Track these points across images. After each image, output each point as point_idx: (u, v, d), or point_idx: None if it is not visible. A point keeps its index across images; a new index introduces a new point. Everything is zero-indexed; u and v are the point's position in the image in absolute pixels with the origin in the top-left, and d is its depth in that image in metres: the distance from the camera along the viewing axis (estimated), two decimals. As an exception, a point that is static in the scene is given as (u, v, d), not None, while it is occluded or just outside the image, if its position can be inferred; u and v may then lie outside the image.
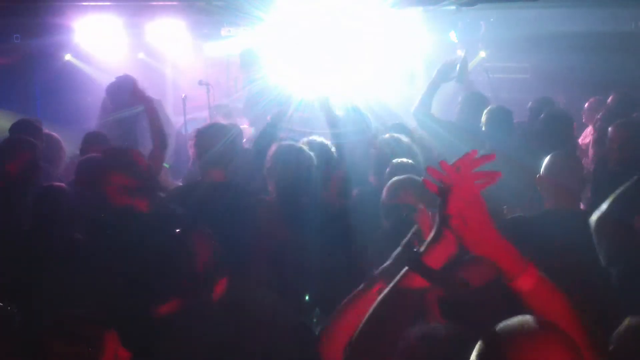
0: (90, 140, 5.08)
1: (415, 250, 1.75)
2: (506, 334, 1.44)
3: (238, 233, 3.60)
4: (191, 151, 4.61)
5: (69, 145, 5.73)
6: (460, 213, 1.59)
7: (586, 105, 7.07)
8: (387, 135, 4.39)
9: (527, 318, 1.48)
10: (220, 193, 3.96)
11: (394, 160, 3.90)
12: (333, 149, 4.25)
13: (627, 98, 6.22)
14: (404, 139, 4.27)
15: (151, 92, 7.37)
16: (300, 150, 3.84)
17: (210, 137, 4.17)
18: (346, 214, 3.72)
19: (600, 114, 6.20)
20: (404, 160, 3.86)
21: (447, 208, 1.60)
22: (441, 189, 1.64)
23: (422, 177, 1.68)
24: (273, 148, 3.86)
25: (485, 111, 5.03)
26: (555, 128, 4.91)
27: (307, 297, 3.60)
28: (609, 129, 4.64)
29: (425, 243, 1.71)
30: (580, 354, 1.41)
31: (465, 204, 1.59)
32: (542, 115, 5.18)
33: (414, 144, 4.25)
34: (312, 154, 3.86)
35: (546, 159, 3.66)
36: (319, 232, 3.48)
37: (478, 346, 1.48)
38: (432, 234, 1.71)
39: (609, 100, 6.41)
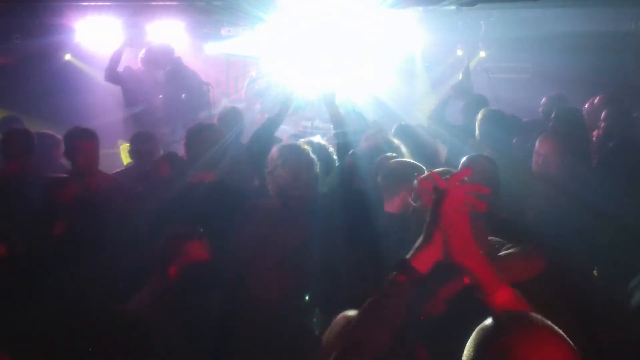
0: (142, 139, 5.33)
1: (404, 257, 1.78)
2: (507, 325, 1.43)
3: (233, 233, 3.59)
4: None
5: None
6: (451, 216, 1.69)
7: (586, 105, 7.06)
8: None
9: (527, 313, 1.48)
10: (214, 194, 3.93)
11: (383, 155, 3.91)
12: (331, 150, 4.23)
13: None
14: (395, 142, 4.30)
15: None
16: (308, 153, 3.68)
17: (201, 138, 4.15)
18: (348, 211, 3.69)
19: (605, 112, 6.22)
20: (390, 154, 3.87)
21: (442, 207, 1.70)
22: (437, 189, 1.72)
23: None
24: (277, 150, 3.67)
25: (479, 116, 5.00)
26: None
27: (307, 297, 3.59)
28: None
29: (414, 247, 1.76)
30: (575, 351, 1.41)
31: (455, 211, 1.69)
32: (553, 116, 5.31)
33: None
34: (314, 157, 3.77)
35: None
36: (323, 232, 3.47)
37: (475, 334, 1.46)
38: (421, 237, 1.75)
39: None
